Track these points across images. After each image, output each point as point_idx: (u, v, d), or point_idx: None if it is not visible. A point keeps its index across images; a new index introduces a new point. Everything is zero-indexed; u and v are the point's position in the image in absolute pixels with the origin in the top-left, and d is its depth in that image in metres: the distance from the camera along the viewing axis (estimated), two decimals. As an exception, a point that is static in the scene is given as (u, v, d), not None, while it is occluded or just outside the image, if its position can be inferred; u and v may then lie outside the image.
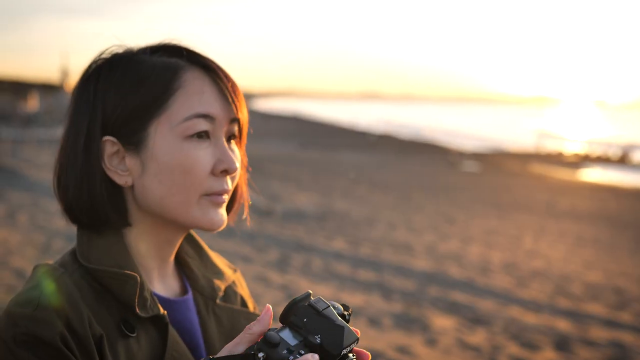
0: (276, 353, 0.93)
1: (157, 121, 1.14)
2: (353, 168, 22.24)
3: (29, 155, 18.44)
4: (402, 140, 39.80)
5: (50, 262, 1.18)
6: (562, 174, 25.11)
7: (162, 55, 1.19)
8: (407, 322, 6.35)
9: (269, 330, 0.96)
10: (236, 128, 1.20)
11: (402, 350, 5.62)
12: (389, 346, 5.67)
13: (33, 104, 41.63)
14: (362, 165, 23.69)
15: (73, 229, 1.20)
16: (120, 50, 1.21)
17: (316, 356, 0.93)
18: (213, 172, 1.15)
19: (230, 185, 1.19)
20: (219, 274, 1.33)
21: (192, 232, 1.36)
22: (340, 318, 0.98)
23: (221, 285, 1.32)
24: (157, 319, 1.14)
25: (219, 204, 1.18)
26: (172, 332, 1.15)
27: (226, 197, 1.19)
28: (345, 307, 1.03)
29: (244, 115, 1.21)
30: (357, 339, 0.99)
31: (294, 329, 0.96)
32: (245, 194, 1.31)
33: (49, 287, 1.08)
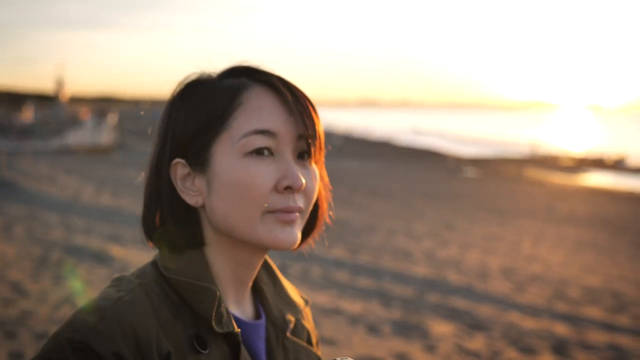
0: None
1: (219, 140, 1.14)
2: (353, 175, 22.26)
3: (26, 167, 18.43)
4: (400, 147, 39.87)
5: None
6: (560, 179, 25.16)
7: (231, 77, 1.20)
8: (406, 329, 6.35)
9: None
10: (306, 144, 1.17)
11: (402, 357, 5.61)
12: (388, 353, 5.66)
13: (28, 115, 41.66)
14: (362, 172, 23.70)
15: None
16: (197, 77, 1.23)
17: None
18: (276, 189, 1.12)
19: (301, 202, 1.15)
20: (291, 305, 1.32)
21: (267, 258, 1.34)
22: None
23: (292, 317, 1.29)
24: (230, 337, 1.13)
25: (287, 222, 1.14)
26: (244, 351, 1.14)
27: (298, 215, 1.15)
28: None
29: (314, 131, 1.17)
30: None
31: None
32: (325, 213, 1.31)
33: (122, 299, 1.06)
